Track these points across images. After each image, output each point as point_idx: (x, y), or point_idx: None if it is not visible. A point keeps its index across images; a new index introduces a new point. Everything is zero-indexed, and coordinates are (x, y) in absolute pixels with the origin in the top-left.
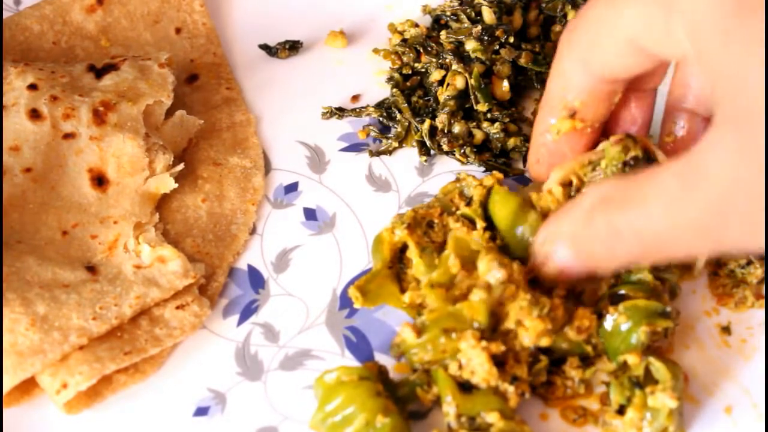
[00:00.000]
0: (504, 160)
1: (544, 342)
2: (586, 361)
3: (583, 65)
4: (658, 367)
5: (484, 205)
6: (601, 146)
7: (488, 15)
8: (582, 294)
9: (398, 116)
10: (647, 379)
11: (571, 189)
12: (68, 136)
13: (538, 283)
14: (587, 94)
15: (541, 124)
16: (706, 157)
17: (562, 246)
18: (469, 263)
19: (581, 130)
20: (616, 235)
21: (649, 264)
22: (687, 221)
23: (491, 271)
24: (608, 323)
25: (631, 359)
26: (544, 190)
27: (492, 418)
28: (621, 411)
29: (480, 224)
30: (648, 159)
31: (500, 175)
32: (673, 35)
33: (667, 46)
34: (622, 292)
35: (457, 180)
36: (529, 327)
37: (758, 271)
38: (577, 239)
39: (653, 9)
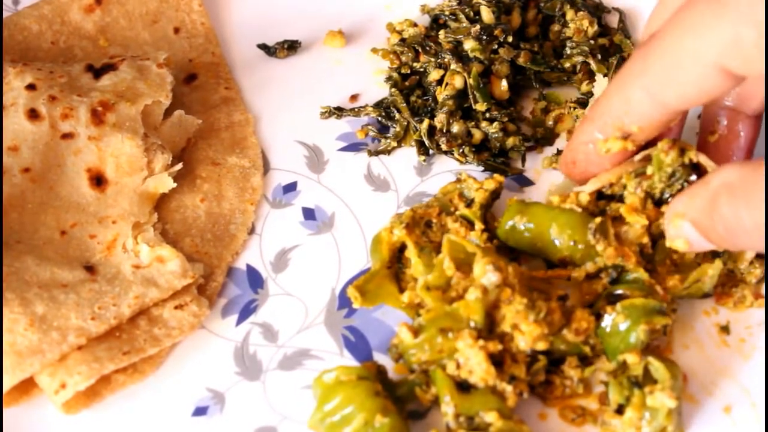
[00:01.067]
0: (503, 159)
1: (541, 346)
2: (585, 361)
3: (652, 95)
4: (657, 367)
5: (485, 207)
6: (640, 156)
7: (487, 14)
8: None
9: (397, 116)
10: (646, 379)
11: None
12: (67, 136)
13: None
14: (649, 122)
15: (586, 133)
16: None
17: (689, 225)
18: (465, 265)
19: (628, 150)
20: (738, 223)
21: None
22: None
23: (486, 274)
24: (607, 323)
25: (631, 358)
26: (580, 191)
27: (490, 417)
28: (620, 411)
29: (479, 226)
30: (694, 166)
31: (501, 178)
32: (763, 50)
33: (759, 61)
34: (620, 291)
35: (458, 181)
36: (525, 331)
37: (757, 271)
38: (703, 221)
39: (742, 29)
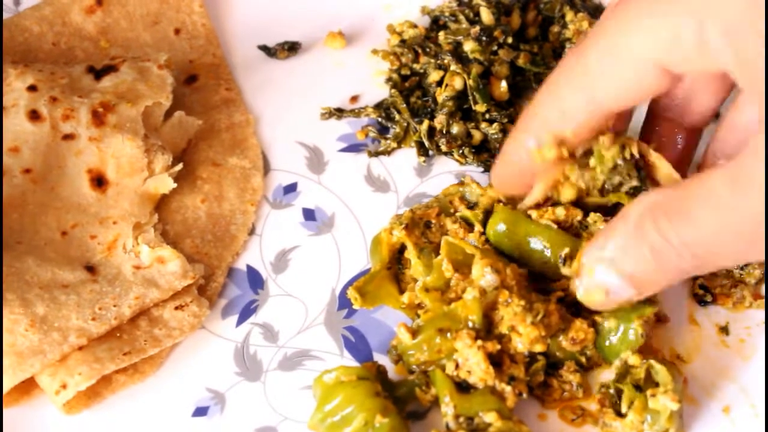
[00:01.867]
0: None
1: (538, 348)
2: (584, 367)
3: (587, 96)
4: (658, 370)
5: (486, 213)
6: (581, 149)
7: (486, 16)
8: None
9: (397, 117)
10: (647, 382)
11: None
12: (68, 137)
13: (535, 286)
14: (584, 126)
15: (517, 143)
16: (754, 162)
17: (607, 270)
18: (464, 266)
19: (564, 156)
20: (667, 247)
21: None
22: (737, 228)
23: (484, 275)
24: (602, 331)
25: (633, 359)
26: (527, 203)
27: (490, 418)
28: (621, 413)
29: (478, 228)
30: (633, 158)
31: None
32: (706, 45)
33: (699, 58)
34: None
35: (461, 183)
36: (523, 333)
37: (756, 272)
38: (624, 259)
39: (680, 19)
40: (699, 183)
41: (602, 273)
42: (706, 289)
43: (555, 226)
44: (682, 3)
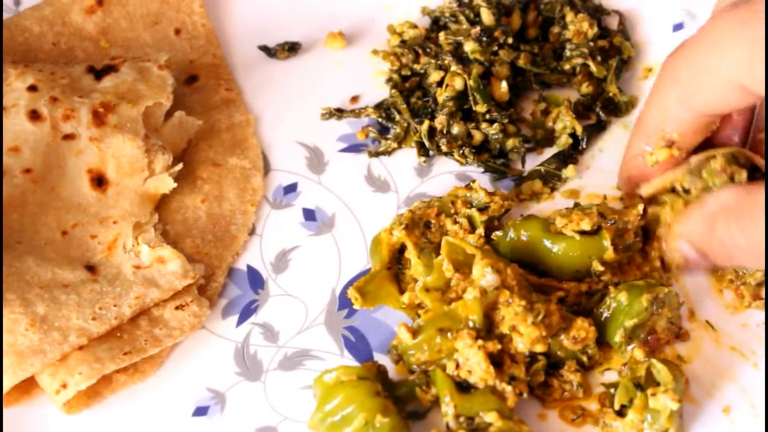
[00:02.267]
0: (503, 160)
1: (539, 348)
2: (584, 366)
3: (683, 102)
4: (659, 369)
5: (490, 219)
6: (697, 159)
7: (487, 16)
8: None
9: (397, 117)
10: (648, 381)
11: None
12: (68, 137)
13: (536, 286)
14: (686, 127)
15: (634, 148)
16: None
17: (689, 245)
18: (464, 266)
19: (676, 156)
20: (734, 241)
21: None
22: None
23: (485, 276)
24: (608, 303)
25: (637, 353)
26: (643, 192)
27: (490, 417)
28: (621, 413)
29: (479, 231)
30: (753, 168)
31: (512, 203)
32: None
33: None
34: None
35: (468, 188)
36: (524, 333)
37: (757, 274)
38: (701, 242)
39: (758, 51)
40: (761, 189)
41: (684, 247)
42: None
43: (578, 237)
44: (761, 31)
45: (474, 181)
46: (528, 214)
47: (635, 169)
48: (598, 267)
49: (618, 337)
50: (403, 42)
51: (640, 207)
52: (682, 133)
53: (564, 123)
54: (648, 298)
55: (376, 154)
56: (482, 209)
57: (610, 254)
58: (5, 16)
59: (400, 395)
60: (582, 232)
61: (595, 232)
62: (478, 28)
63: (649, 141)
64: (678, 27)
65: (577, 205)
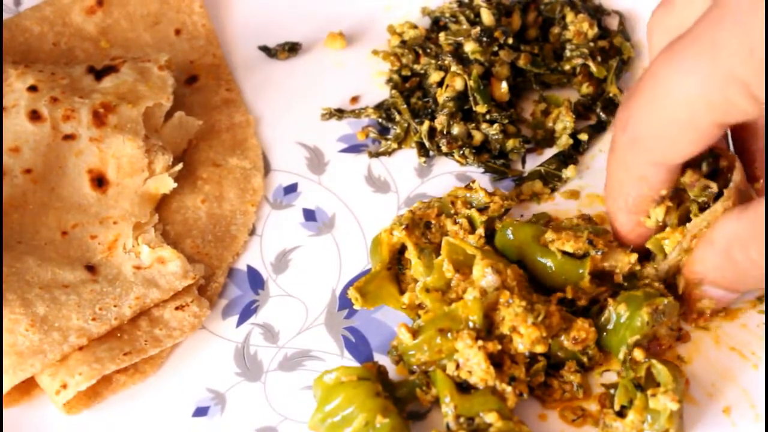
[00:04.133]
0: (503, 161)
1: (539, 349)
2: (584, 367)
3: (658, 164)
4: (659, 370)
5: (491, 220)
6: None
7: (487, 17)
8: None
9: (397, 117)
10: (648, 382)
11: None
12: (68, 137)
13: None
14: (672, 178)
15: (628, 221)
16: None
17: (714, 286)
18: (464, 267)
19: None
20: (757, 265)
21: None
22: None
23: (485, 276)
24: (608, 315)
25: (637, 354)
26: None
27: (490, 418)
28: (621, 413)
29: (479, 231)
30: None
31: (512, 203)
32: (756, 99)
33: (755, 109)
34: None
35: (468, 188)
36: (524, 334)
37: None
38: (724, 278)
39: (728, 80)
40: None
41: (709, 290)
42: None
43: (559, 255)
44: (712, 61)
45: (474, 182)
46: (539, 212)
47: (640, 238)
48: (585, 284)
49: (622, 354)
50: (404, 42)
51: (634, 257)
52: (671, 187)
53: (564, 123)
54: (648, 311)
55: (377, 155)
56: (482, 210)
57: (585, 283)
58: (5, 16)
59: (401, 396)
60: (566, 253)
61: (582, 256)
62: (478, 29)
63: (638, 211)
64: None
65: (581, 216)
